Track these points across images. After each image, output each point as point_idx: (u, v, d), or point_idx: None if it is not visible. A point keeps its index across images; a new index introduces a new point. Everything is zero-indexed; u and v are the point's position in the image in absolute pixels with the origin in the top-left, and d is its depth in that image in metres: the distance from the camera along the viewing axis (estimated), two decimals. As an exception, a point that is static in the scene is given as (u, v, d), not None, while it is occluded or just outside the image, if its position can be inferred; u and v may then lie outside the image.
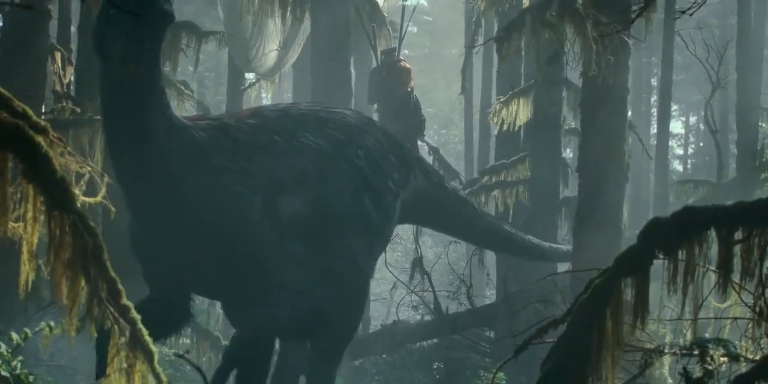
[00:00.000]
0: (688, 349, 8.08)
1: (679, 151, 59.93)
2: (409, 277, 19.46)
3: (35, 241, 7.98)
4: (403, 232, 24.49)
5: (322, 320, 10.91)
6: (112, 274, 7.91)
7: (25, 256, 7.99)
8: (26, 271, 7.98)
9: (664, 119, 29.31)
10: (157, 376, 7.97)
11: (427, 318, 19.35)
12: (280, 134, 10.82)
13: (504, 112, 23.52)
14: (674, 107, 51.78)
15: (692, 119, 61.28)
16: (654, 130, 37.51)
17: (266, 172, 10.48)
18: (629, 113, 17.63)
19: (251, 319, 10.42)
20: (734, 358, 8.14)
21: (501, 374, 10.53)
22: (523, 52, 18.23)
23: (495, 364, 14.64)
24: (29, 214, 7.93)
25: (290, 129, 10.98)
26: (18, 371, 7.65)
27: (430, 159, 27.57)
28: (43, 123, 8.25)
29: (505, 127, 23.65)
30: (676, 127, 52.28)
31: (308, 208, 10.75)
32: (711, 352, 7.93)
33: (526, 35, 15.42)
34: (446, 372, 16.88)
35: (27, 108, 8.25)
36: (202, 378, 8.67)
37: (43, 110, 17.27)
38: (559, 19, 14.96)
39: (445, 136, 56.75)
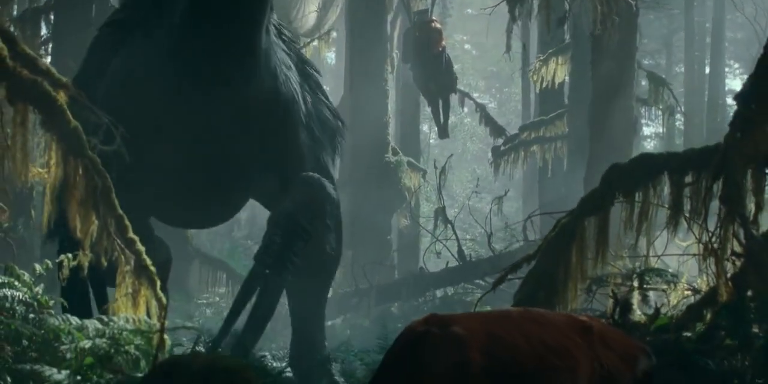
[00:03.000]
0: (629, 278, 8.87)
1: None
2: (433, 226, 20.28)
3: (57, 184, 9.08)
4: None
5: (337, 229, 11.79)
6: (120, 211, 9.04)
7: (48, 196, 9.13)
8: (48, 210, 9.13)
9: (715, 75, 29.81)
10: (159, 300, 9.10)
11: (452, 265, 20.11)
12: None
13: (543, 70, 24.16)
14: (736, 65, 51.71)
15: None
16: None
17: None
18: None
19: (308, 182, 10.85)
20: (670, 284, 8.95)
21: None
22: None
23: (516, 308, 15.39)
24: (52, 161, 9.06)
25: None
26: (39, 296, 8.72)
27: (476, 116, 28.51)
28: (64, 79, 9.35)
29: (544, 84, 24.27)
30: (736, 85, 52.31)
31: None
32: (647, 279, 8.74)
33: (537, -3, 16.20)
34: (469, 316, 17.64)
35: (50, 66, 9.38)
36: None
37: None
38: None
39: (507, 94, 57.20)
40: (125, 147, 9.63)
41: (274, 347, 13.96)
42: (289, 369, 10.71)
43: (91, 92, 9.97)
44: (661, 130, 33.08)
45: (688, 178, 9.77)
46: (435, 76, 19.94)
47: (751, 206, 9.42)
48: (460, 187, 40.94)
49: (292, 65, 11.59)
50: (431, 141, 40.58)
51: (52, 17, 18.76)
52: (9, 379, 7.23)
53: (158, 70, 10.25)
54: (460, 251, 19.37)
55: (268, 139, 10.90)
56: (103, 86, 10.62)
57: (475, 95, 56.71)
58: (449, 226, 19.80)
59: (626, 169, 10.11)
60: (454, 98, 27.67)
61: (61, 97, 9.10)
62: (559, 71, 23.94)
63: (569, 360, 4.44)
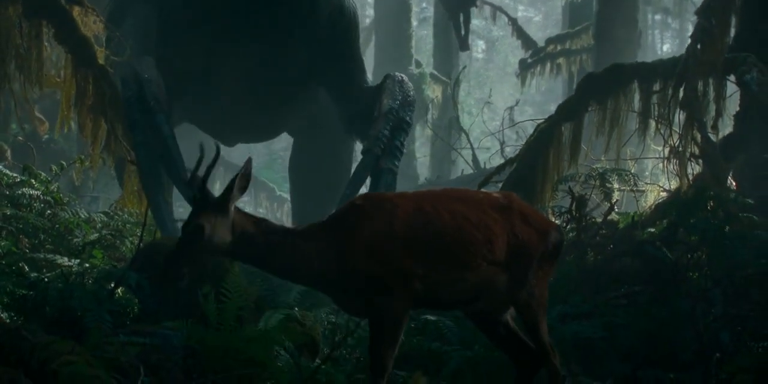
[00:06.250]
0: (592, 177, 9.57)
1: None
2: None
3: (72, 92, 9.88)
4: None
5: None
6: (126, 117, 9.83)
7: (63, 103, 9.96)
8: (62, 116, 9.96)
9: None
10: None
11: (468, 172, 20.76)
12: None
13: (571, -20, 24.52)
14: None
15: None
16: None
17: None
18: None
19: (401, 81, 11.15)
20: (627, 183, 9.64)
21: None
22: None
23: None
24: (68, 71, 9.87)
25: None
26: (54, 194, 9.57)
27: (509, 29, 28.88)
28: (78, -5, 10.10)
29: (573, -5, 24.62)
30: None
31: None
32: (608, 178, 9.43)
33: None
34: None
35: (65, -18, 10.12)
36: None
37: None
38: None
39: (551, 7, 57.22)
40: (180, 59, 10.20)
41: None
42: None
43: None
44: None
45: (656, 87, 10.45)
46: (455, -11, 20.37)
47: (713, 113, 10.10)
48: (501, 101, 41.29)
49: None
50: (476, 55, 40.76)
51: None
52: (26, 267, 7.91)
53: None
54: (475, 159, 19.98)
55: (333, 46, 11.35)
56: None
57: (520, 7, 56.88)
58: (464, 134, 20.35)
59: (599, 78, 10.81)
60: (486, 12, 28.18)
61: (75, 12, 9.87)
62: (586, -18, 24.23)
63: (486, 232, 5.22)
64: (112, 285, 6.91)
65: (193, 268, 4.96)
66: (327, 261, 5.02)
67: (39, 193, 9.36)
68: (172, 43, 10.62)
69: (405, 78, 11.34)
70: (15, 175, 9.64)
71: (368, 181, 10.68)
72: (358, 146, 11.74)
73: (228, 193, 4.96)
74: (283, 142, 30.69)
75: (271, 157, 29.47)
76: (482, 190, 7.36)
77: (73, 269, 7.62)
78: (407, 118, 10.87)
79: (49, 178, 9.78)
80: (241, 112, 11.50)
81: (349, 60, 11.63)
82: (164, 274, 5.01)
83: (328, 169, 12.63)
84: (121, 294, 7.11)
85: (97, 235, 8.94)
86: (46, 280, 7.10)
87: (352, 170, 11.44)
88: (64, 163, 10.24)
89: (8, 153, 13.70)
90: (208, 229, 4.89)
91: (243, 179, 4.97)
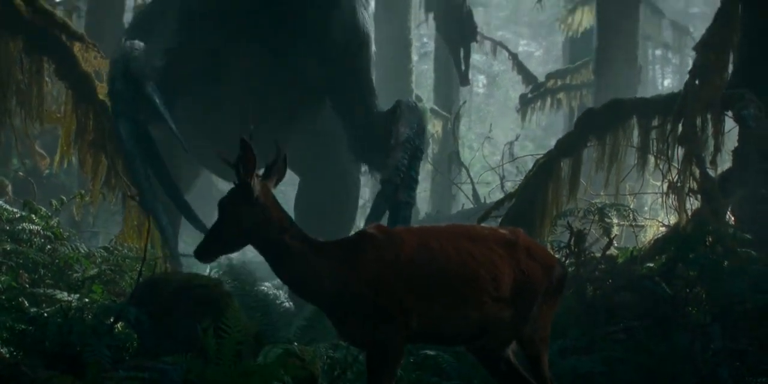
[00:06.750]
0: (591, 212, 9.59)
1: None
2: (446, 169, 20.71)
3: (73, 128, 9.93)
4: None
5: None
6: (127, 152, 9.86)
7: (63, 139, 10.01)
8: (63, 152, 10.01)
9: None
10: (161, 231, 9.94)
11: (468, 207, 20.74)
12: None
13: (570, 19, 24.61)
14: None
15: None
16: None
17: None
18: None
19: (415, 109, 11.24)
20: (625, 218, 9.66)
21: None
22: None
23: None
24: (68, 107, 9.93)
25: None
26: (54, 229, 9.57)
27: (509, 63, 28.98)
28: (79, 32, 10.19)
29: (570, 33, 24.74)
30: None
31: None
32: (606, 213, 9.44)
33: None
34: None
35: (67, 20, 10.23)
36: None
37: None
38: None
39: (551, 42, 57.37)
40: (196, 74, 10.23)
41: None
42: (287, 299, 11.26)
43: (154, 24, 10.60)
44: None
45: (655, 122, 10.51)
46: (456, 26, 20.46)
47: (712, 148, 10.14)
48: (502, 136, 41.35)
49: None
50: (477, 89, 40.81)
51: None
52: (26, 302, 7.90)
53: None
54: (475, 194, 20.02)
55: (344, 65, 11.29)
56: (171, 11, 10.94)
57: (521, 42, 57.02)
58: (464, 169, 20.41)
59: (598, 113, 10.87)
60: (487, 47, 28.27)
61: (76, 48, 9.95)
62: (584, 20, 24.33)
63: (492, 269, 5.26)
64: (112, 320, 6.92)
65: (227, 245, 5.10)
66: (336, 282, 5.05)
67: (39, 228, 9.37)
68: (184, 41, 10.59)
69: (416, 104, 11.44)
70: (15, 210, 9.65)
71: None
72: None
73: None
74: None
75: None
76: (488, 225, 7.37)
77: (73, 304, 7.61)
78: (422, 147, 10.94)
79: (50, 213, 9.80)
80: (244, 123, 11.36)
81: (360, 80, 11.56)
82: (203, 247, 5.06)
83: (336, 212, 12.51)
84: (120, 329, 7.11)
85: (96, 270, 8.95)
86: (45, 315, 7.09)
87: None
88: (64, 198, 10.26)
89: (9, 188, 13.72)
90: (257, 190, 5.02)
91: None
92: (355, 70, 11.46)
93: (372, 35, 11.82)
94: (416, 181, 10.91)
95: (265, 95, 10.99)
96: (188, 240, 13.70)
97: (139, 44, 9.92)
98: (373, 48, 11.94)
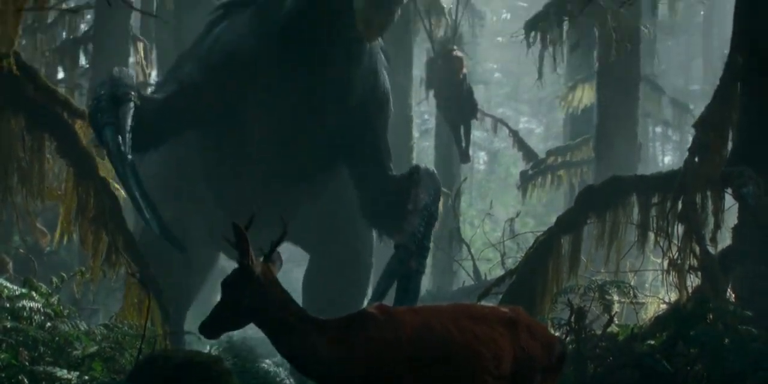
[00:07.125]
0: (591, 289, 9.58)
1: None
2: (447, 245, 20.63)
3: (73, 205, 9.97)
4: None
5: None
6: (128, 228, 9.92)
7: (64, 216, 10.04)
8: (63, 229, 10.03)
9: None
10: (163, 309, 9.94)
11: (469, 283, 20.68)
12: None
13: (570, 96, 24.74)
14: None
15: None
16: None
17: None
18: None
19: (433, 176, 11.23)
20: (626, 295, 9.65)
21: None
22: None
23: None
24: (69, 184, 9.98)
25: None
26: (54, 306, 9.55)
27: (510, 140, 29.09)
28: (81, 109, 10.28)
29: (570, 110, 24.86)
30: None
31: None
32: (607, 291, 9.45)
33: (551, 25, 16.86)
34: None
35: (68, 97, 10.33)
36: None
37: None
38: (580, 10, 16.22)
39: (552, 119, 57.75)
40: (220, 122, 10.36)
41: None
42: (288, 376, 11.21)
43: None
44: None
45: (655, 199, 10.53)
46: (456, 103, 20.57)
47: (712, 225, 10.16)
48: (503, 212, 41.38)
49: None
50: (477, 166, 40.96)
51: (90, 47, 19.31)
52: (26, 380, 7.86)
53: (266, 48, 10.48)
54: (476, 270, 19.99)
55: (362, 124, 11.24)
56: (203, 56, 11.03)
57: (522, 119, 57.35)
58: (465, 245, 20.38)
59: (598, 190, 10.91)
60: (487, 124, 28.36)
61: (77, 125, 10.03)
62: (585, 97, 24.44)
63: (493, 348, 5.31)
64: (112, 398, 6.90)
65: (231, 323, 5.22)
66: (336, 360, 5.07)
67: (39, 305, 9.35)
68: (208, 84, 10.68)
69: (434, 171, 11.44)
70: (16, 287, 9.64)
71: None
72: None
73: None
74: (286, 253, 30.69)
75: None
76: (489, 304, 7.38)
77: (73, 382, 7.66)
78: (436, 215, 11.01)
79: (50, 291, 9.79)
80: (257, 178, 11.19)
81: (377, 141, 11.49)
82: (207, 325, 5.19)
83: (346, 292, 12.37)
84: (120, 405, 7.09)
85: (96, 347, 8.91)
86: (45, 393, 7.07)
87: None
88: (64, 275, 10.28)
89: (10, 265, 13.72)
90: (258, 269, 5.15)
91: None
92: (373, 130, 11.43)
93: (390, 97, 11.76)
94: (428, 250, 10.93)
95: (280, 153, 10.95)
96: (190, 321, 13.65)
97: (127, 71, 10.10)
98: (392, 109, 11.89)
